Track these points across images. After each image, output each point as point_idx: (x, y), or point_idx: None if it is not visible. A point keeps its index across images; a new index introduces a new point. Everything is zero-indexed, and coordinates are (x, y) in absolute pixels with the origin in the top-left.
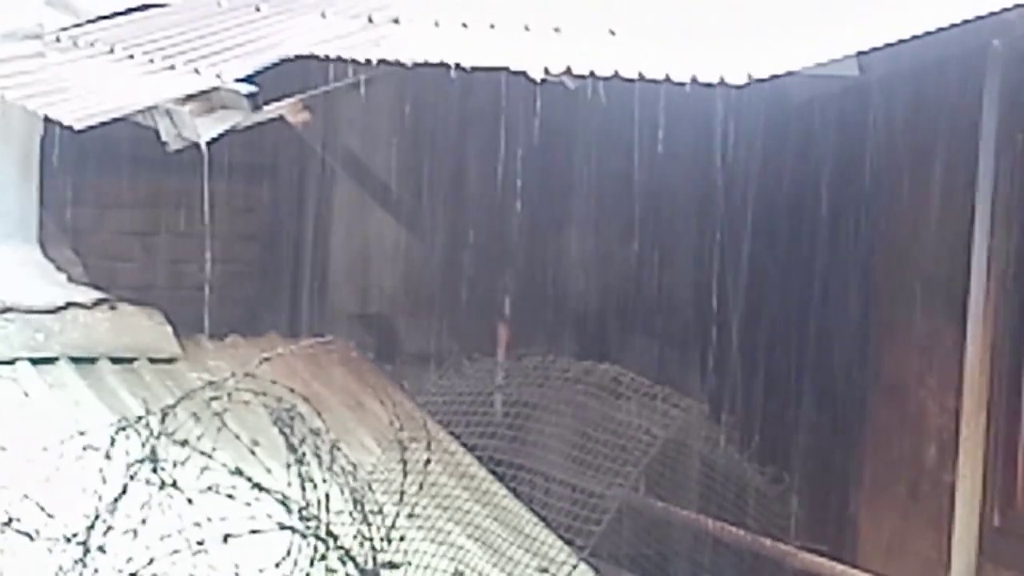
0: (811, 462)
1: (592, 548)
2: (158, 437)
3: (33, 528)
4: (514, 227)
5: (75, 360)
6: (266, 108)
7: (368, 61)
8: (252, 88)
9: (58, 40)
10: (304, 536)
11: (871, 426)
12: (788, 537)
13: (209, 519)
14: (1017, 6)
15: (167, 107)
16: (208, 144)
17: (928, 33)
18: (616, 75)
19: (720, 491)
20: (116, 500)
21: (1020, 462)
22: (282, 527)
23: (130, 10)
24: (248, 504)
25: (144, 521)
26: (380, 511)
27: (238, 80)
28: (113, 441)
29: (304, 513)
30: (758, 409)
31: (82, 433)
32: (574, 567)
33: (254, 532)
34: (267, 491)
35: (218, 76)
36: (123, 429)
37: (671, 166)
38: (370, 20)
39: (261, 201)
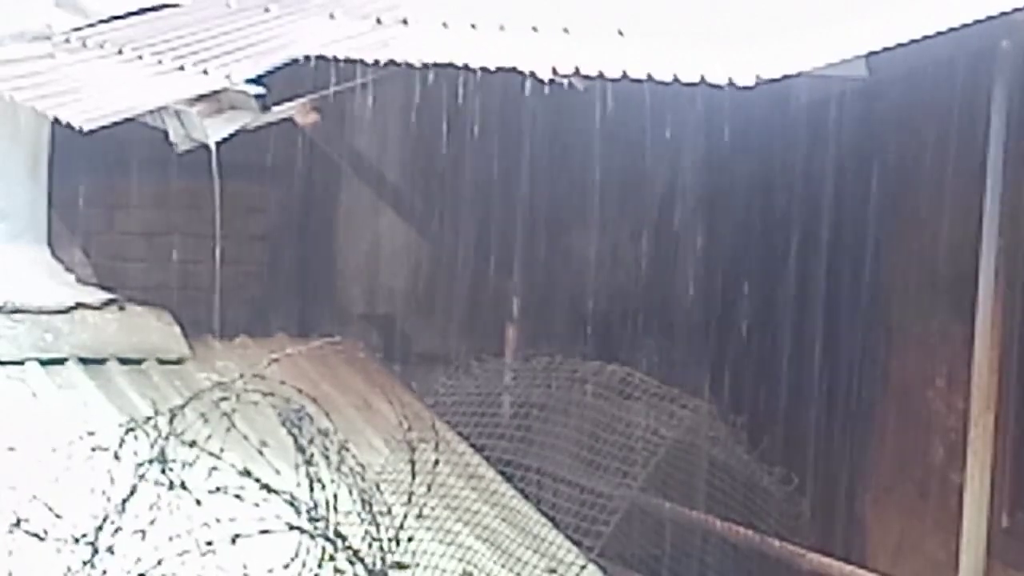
0: (819, 463)
1: (600, 549)
2: (167, 438)
3: (42, 528)
4: (523, 227)
5: (84, 361)
6: (275, 109)
7: (377, 62)
8: (261, 89)
9: (67, 41)
10: (312, 537)
11: (879, 426)
12: (796, 538)
13: (218, 520)
14: None
15: (176, 108)
16: (217, 145)
17: (937, 34)
18: (625, 76)
19: (728, 492)
20: (125, 501)
21: None
22: (291, 528)
23: (139, 11)
24: (257, 505)
25: (153, 522)
26: (388, 512)
27: (247, 81)
28: (122, 442)
29: (312, 514)
30: (766, 410)
31: (91, 434)
32: (582, 568)
33: (263, 533)
34: (276, 492)
35: (227, 77)
36: (132, 430)
37: (680, 166)
38: (379, 21)
39: (270, 202)
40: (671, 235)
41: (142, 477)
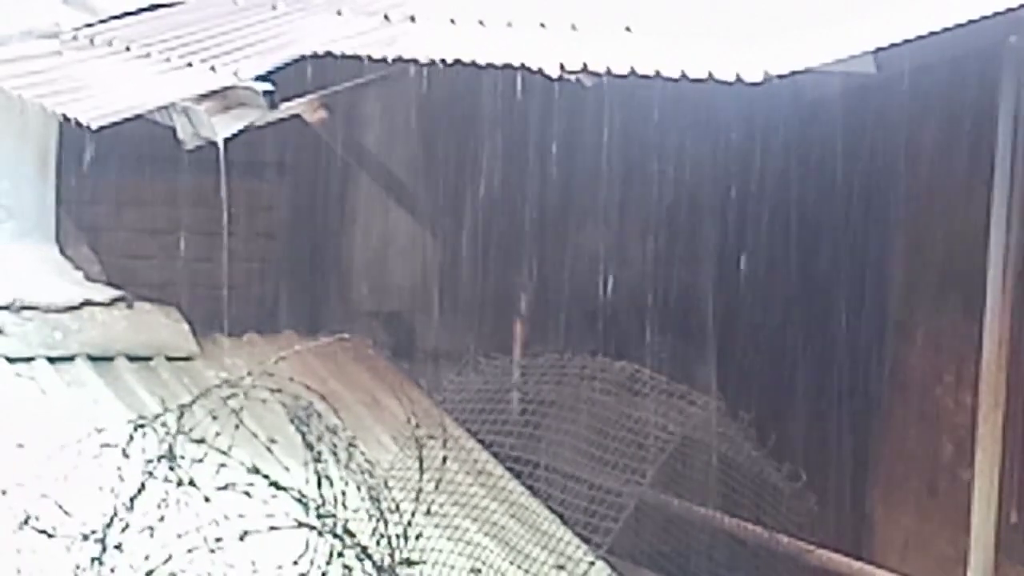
0: (828, 459)
1: (609, 545)
2: (175, 435)
3: (51, 526)
4: (531, 225)
5: (93, 358)
6: (283, 106)
7: (384, 59)
8: (269, 86)
9: (75, 39)
10: (321, 534)
11: (888, 423)
12: (805, 534)
13: (226, 517)
14: None
15: (184, 105)
16: (225, 142)
17: (944, 30)
18: (633, 73)
19: (737, 488)
20: (133, 498)
21: None
22: (299, 525)
23: (147, 8)
24: (265, 502)
25: (161, 519)
26: (397, 508)
27: (255, 78)
28: (131, 439)
29: (321, 511)
30: (775, 406)
31: (100, 431)
32: (591, 564)
33: (271, 530)
34: (284, 489)
35: (235, 74)
36: (140, 427)
37: (688, 163)
38: (386, 18)
39: (278, 199)
40: (680, 232)
41: (151, 474)
